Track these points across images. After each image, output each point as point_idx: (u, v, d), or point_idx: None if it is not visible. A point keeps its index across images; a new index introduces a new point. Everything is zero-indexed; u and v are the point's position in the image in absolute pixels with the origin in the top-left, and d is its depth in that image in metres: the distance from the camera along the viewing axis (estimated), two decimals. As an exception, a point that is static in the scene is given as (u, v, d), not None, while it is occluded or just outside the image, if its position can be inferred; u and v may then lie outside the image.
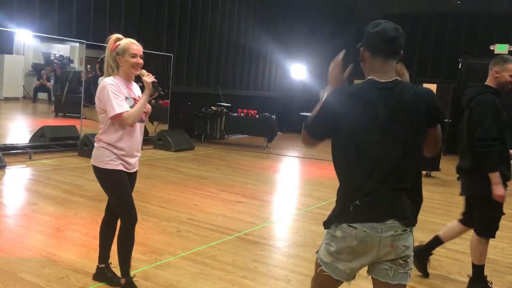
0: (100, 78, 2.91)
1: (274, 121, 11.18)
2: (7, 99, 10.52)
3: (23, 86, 10.42)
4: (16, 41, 9.40)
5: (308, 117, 2.01)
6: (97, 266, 3.26)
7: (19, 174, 6.54)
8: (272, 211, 5.88)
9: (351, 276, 1.99)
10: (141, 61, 3.01)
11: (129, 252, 3.07)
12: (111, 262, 3.26)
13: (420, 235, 5.01)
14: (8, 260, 3.48)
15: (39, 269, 3.35)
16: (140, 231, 4.37)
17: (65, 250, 3.75)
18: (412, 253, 1.96)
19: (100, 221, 3.26)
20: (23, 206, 5.05)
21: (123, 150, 2.98)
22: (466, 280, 3.59)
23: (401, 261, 1.92)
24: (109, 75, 3.00)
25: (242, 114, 11.40)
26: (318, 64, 14.06)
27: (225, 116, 11.34)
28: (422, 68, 13.58)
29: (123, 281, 3.09)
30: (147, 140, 9.85)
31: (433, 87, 14.76)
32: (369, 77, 1.94)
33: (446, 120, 12.01)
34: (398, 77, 1.94)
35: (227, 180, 7.14)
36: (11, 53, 10.04)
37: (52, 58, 9.87)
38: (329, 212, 2.03)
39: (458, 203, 6.89)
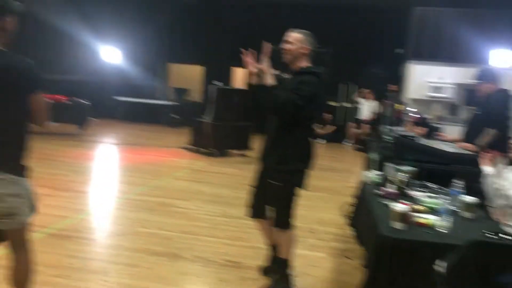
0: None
1: (86, 107, 10.53)
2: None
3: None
4: None
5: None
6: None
7: None
8: (87, 202, 5.57)
9: None
10: None
11: None
12: None
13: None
14: None
15: None
16: None
17: None
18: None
19: None
20: None
21: None
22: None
23: None
24: None
25: (49, 100, 10.41)
26: (131, 48, 13.69)
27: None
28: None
29: None
30: None
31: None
32: None
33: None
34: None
35: (33, 172, 6.48)
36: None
37: None
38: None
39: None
